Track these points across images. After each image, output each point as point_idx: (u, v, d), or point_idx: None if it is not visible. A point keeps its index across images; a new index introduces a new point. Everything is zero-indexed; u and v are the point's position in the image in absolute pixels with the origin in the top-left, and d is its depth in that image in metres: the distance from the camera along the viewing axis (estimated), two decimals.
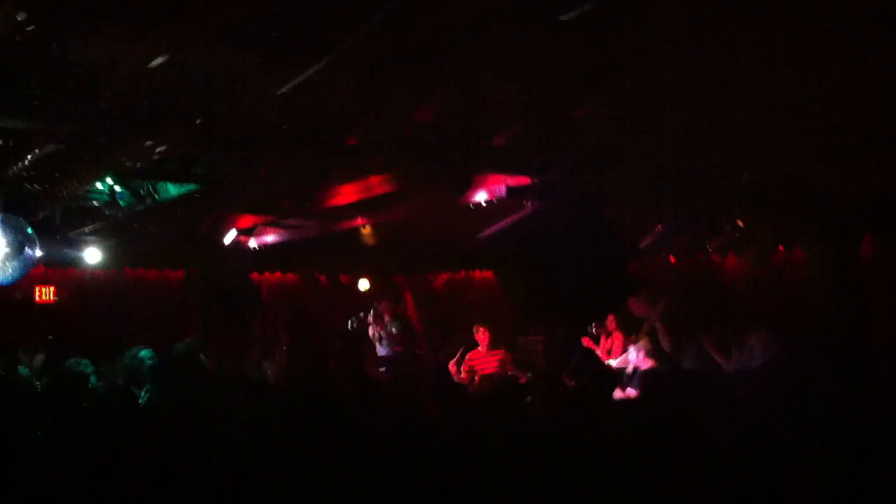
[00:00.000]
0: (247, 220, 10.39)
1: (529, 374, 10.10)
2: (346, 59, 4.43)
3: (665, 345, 8.85)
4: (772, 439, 4.24)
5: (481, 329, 10.35)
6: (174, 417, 5.23)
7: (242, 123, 5.55)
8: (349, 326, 12.40)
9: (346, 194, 8.30)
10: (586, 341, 9.92)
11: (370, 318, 12.17)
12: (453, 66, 4.64)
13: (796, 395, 4.99)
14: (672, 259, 10.39)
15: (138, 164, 6.31)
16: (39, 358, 9.93)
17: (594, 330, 9.80)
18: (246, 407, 5.76)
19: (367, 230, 9.97)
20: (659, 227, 8.74)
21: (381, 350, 12.01)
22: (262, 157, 6.57)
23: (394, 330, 11.93)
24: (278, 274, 14.11)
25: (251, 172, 7.16)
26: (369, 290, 13.60)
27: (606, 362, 9.51)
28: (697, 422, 4.62)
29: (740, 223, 8.84)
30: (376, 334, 12.10)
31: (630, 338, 9.53)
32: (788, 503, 3.74)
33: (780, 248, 9.44)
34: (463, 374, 10.15)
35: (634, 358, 8.96)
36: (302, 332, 13.10)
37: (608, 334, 9.78)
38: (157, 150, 5.90)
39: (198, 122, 5.32)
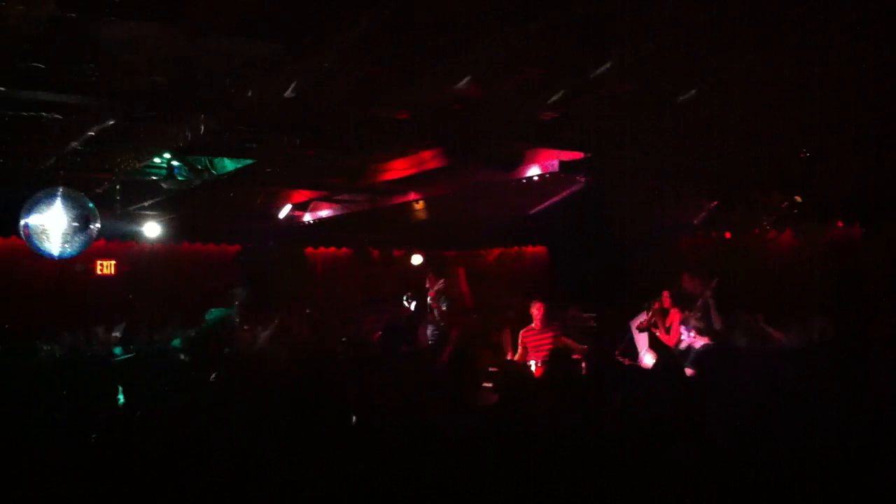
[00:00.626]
0: (302, 195, 10.52)
1: (585, 347, 10.03)
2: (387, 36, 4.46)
3: (716, 323, 8.75)
4: (820, 424, 4.17)
5: (537, 304, 10.26)
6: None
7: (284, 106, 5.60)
8: (404, 302, 12.39)
9: (399, 169, 8.34)
10: (637, 322, 9.82)
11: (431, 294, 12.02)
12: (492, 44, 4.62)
13: (845, 379, 4.88)
14: (728, 235, 10.25)
15: (192, 139, 6.39)
16: (120, 328, 10.14)
17: (649, 311, 9.70)
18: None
19: (419, 205, 10.00)
20: (714, 202, 8.63)
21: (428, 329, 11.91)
22: (311, 135, 6.63)
23: (444, 307, 11.82)
24: (332, 249, 14.27)
25: (304, 148, 7.23)
26: (422, 264, 13.66)
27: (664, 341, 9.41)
28: (749, 404, 4.54)
29: (798, 199, 8.70)
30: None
31: (685, 314, 9.44)
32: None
33: (840, 223, 9.25)
34: (519, 351, 10.06)
35: (686, 336, 8.86)
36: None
37: (664, 312, 9.66)
38: (211, 126, 5.99)
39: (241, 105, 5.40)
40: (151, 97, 5.53)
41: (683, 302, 9.26)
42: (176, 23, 4.35)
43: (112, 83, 5.24)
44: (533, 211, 7.04)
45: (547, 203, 7.08)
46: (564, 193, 7.18)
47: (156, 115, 6.08)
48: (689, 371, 8.38)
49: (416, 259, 13.83)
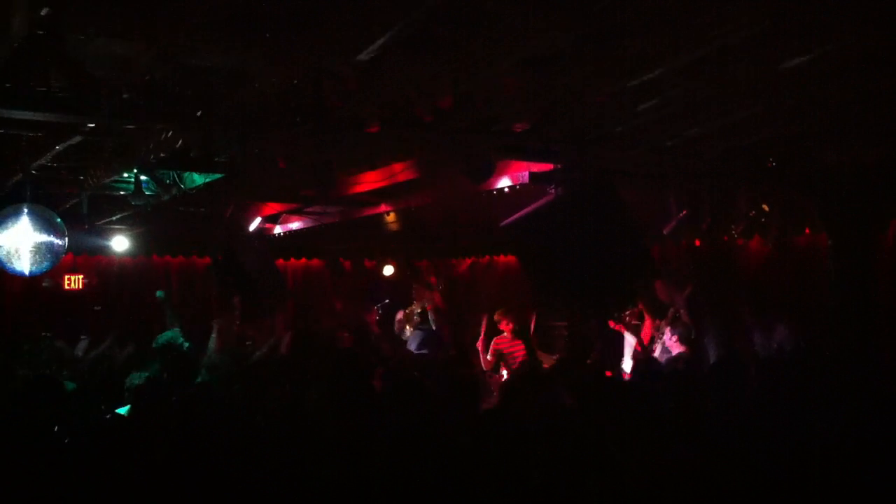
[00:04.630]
0: (271, 208, 10.47)
1: (555, 357, 10.09)
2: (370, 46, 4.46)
3: (692, 329, 8.84)
4: (791, 429, 4.22)
5: (504, 318, 10.34)
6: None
7: (259, 112, 5.59)
8: (376, 313, 12.39)
9: (370, 181, 8.33)
10: (614, 324, 9.89)
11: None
12: (466, 48, 4.64)
13: (813, 386, 4.94)
14: (697, 243, 10.33)
15: (162, 154, 6.35)
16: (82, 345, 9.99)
17: (627, 318, 9.77)
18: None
19: (390, 217, 9.99)
20: (683, 211, 8.70)
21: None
22: (282, 145, 6.61)
23: (415, 318, 11.90)
24: (303, 260, 14.22)
25: (274, 161, 7.21)
26: (393, 275, 13.65)
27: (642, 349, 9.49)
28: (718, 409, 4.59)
29: (765, 207, 8.80)
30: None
31: (655, 322, 9.51)
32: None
33: (807, 231, 9.35)
34: (490, 359, 10.10)
35: (666, 343, 8.92)
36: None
37: (642, 321, 9.75)
38: (179, 140, 5.95)
39: (213, 112, 5.37)
40: (119, 112, 5.48)
41: (656, 310, 9.35)
42: (145, 39, 4.33)
43: (79, 99, 5.19)
44: (504, 223, 7.03)
45: (518, 214, 7.08)
46: (535, 205, 7.18)
47: (123, 130, 6.05)
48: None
49: (388, 270, 13.82)
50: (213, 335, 8.47)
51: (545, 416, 4.60)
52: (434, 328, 11.80)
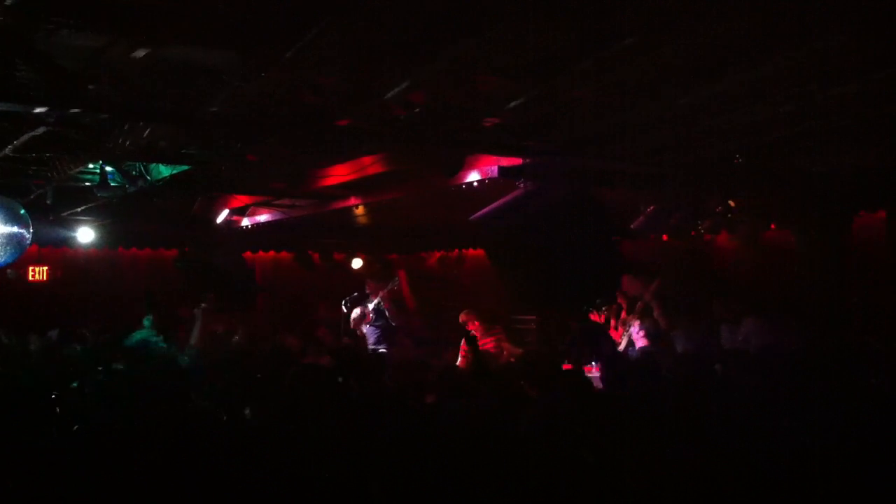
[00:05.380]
0: (239, 201, 10.40)
1: (521, 350, 10.14)
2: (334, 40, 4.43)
3: (662, 322, 8.92)
4: (762, 425, 4.26)
5: (469, 317, 10.42)
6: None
7: (230, 108, 5.55)
8: (343, 307, 12.35)
9: (340, 175, 8.30)
10: (594, 317, 9.96)
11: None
12: (443, 46, 4.63)
13: (786, 380, 5.00)
14: (665, 238, 10.42)
15: (128, 145, 6.29)
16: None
17: (604, 310, 9.86)
18: None
19: (360, 210, 9.97)
20: (651, 207, 8.76)
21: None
22: (252, 139, 6.58)
23: (369, 307, 11.86)
24: (272, 253, 14.15)
25: (243, 154, 7.16)
26: (362, 268, 13.62)
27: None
28: (688, 407, 4.61)
29: (732, 203, 8.88)
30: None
31: (625, 317, 9.60)
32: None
33: (773, 226, 9.46)
34: (460, 359, 10.07)
35: (632, 337, 8.99)
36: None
37: (619, 309, 9.83)
38: (146, 132, 5.90)
39: (185, 108, 5.32)
40: (85, 105, 5.41)
41: (628, 305, 9.43)
42: (114, 32, 4.28)
43: (45, 90, 5.12)
44: (474, 217, 7.05)
45: (488, 209, 7.10)
46: (504, 200, 7.21)
47: (89, 122, 5.97)
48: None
49: (357, 263, 13.79)
50: (197, 325, 8.47)
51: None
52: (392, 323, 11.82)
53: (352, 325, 12.03)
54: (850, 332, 7.80)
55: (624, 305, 9.61)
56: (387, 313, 11.77)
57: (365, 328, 11.89)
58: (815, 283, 7.75)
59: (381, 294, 11.81)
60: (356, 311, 12.03)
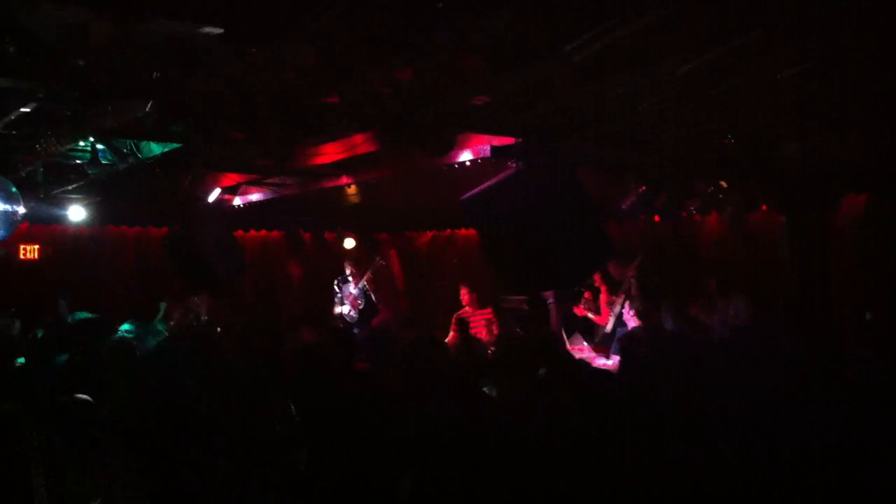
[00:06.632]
0: (230, 179, 10.37)
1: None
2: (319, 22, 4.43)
3: (637, 301, 8.95)
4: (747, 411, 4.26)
5: (464, 289, 10.43)
6: None
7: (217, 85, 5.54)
8: (335, 286, 12.38)
9: (331, 153, 8.28)
10: (580, 310, 10.02)
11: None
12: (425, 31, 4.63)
13: (771, 363, 5.01)
14: (657, 219, 10.45)
15: (118, 123, 6.26)
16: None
17: (584, 302, 9.92)
18: None
19: (351, 189, 9.96)
20: (642, 187, 8.78)
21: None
22: (236, 117, 6.55)
23: (354, 292, 11.97)
24: (263, 232, 14.12)
25: (232, 131, 7.13)
26: (354, 248, 13.62)
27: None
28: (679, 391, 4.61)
29: (723, 184, 8.91)
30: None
31: (609, 298, 9.64)
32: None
33: (763, 207, 9.50)
34: (451, 337, 10.09)
35: (624, 317, 9.01)
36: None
37: (597, 293, 9.87)
38: (136, 110, 5.87)
39: (169, 85, 5.30)
40: (75, 80, 5.39)
41: (610, 285, 9.46)
42: (103, 7, 4.26)
43: (34, 65, 5.09)
44: (465, 196, 7.05)
45: (479, 189, 7.10)
46: (496, 178, 7.21)
47: (80, 98, 5.94)
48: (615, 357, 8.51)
49: (349, 242, 13.78)
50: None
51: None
52: (374, 301, 11.92)
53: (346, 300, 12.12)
54: (830, 316, 7.87)
55: (603, 289, 9.67)
56: (372, 297, 11.88)
57: (353, 312, 11.97)
58: (803, 262, 7.80)
59: (366, 277, 11.92)
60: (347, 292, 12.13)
